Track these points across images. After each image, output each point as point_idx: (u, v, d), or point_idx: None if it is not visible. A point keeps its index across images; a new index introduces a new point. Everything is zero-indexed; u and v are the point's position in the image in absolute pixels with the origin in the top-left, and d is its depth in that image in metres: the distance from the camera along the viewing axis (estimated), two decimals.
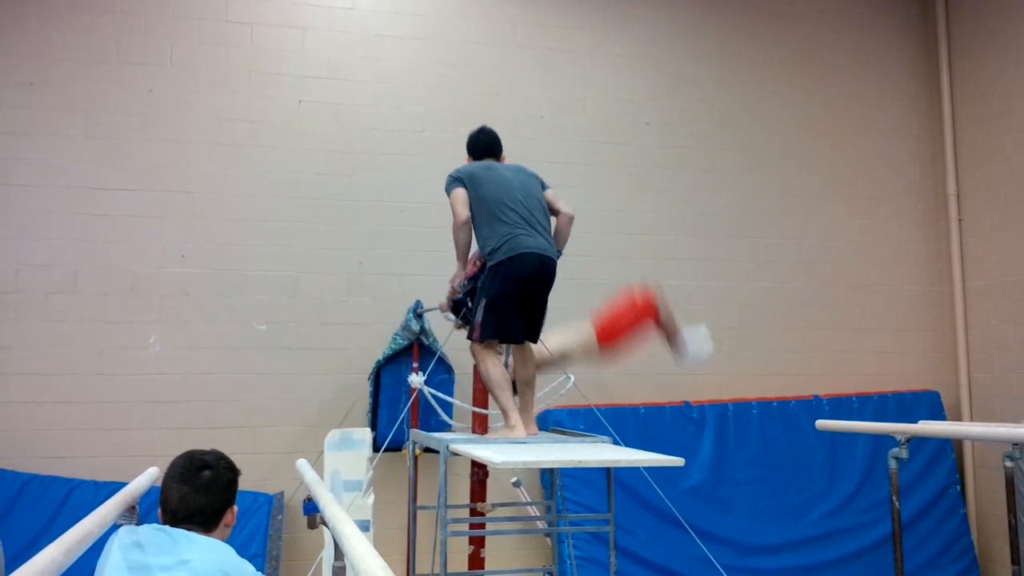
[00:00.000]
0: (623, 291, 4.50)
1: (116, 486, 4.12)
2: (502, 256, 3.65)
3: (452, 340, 4.59)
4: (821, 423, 4.60)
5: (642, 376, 5.71)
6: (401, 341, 5.09)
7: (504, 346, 3.98)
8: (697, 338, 4.40)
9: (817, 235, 6.19)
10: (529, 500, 5.14)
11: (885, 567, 5.08)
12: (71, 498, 4.69)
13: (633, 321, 4.33)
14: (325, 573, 4.46)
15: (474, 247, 3.95)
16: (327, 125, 5.46)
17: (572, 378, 4.69)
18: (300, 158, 5.39)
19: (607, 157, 5.87)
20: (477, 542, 4.07)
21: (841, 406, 5.83)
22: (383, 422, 5.09)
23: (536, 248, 3.67)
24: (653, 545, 5.17)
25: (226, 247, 5.24)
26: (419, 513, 4.15)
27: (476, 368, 4.08)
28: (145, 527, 2.29)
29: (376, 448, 4.89)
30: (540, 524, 5.08)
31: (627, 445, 4.07)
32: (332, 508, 2.29)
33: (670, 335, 4.39)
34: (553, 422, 5.05)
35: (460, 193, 3.77)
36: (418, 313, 5.06)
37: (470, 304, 3.94)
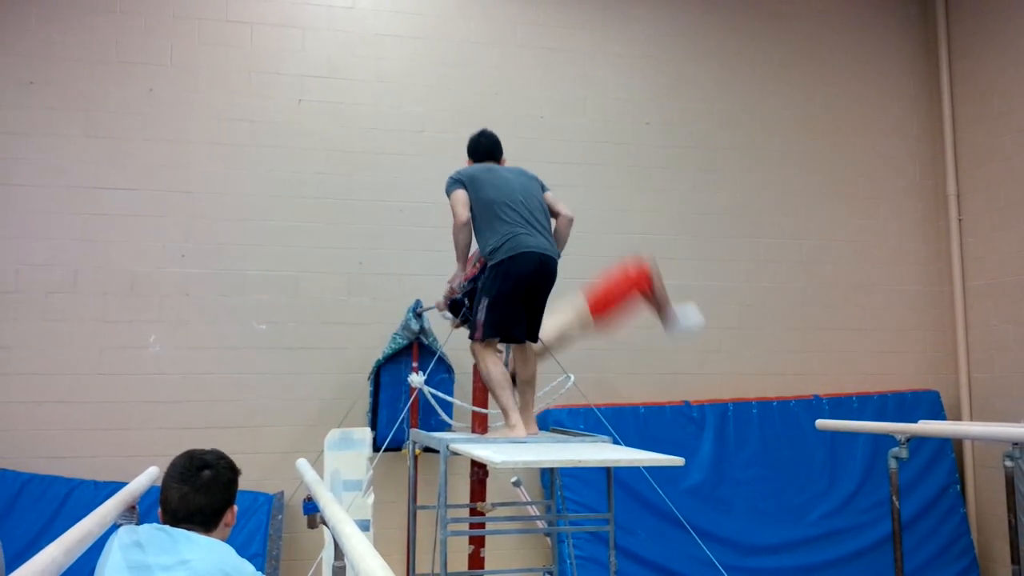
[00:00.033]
0: (617, 264, 4.53)
1: (116, 486, 4.12)
2: (503, 255, 3.66)
3: (452, 340, 4.59)
4: (821, 423, 4.60)
5: (642, 376, 5.72)
6: (401, 341, 5.09)
7: (504, 345, 3.98)
8: (687, 312, 4.46)
9: (817, 235, 6.19)
10: (529, 500, 5.14)
11: (885, 567, 5.08)
12: (71, 498, 4.69)
13: (626, 290, 4.37)
14: (325, 573, 4.46)
15: (473, 248, 3.96)
16: (327, 125, 5.46)
17: (572, 378, 4.69)
18: (300, 158, 5.39)
19: (607, 157, 5.88)
20: (477, 542, 4.07)
21: (841, 406, 5.83)
22: (383, 422, 5.09)
23: (537, 247, 3.69)
24: (653, 545, 5.17)
25: (226, 247, 5.24)
26: (419, 513, 4.15)
27: (476, 367, 4.08)
28: (145, 527, 2.29)
29: (376, 448, 4.89)
30: (540, 524, 5.08)
31: (627, 445, 4.07)
32: (332, 508, 2.29)
33: (661, 306, 4.44)
34: (553, 422, 5.05)
35: (461, 194, 3.79)
36: (418, 312, 5.06)
37: (467, 304, 3.95)
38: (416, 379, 4.75)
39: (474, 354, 3.82)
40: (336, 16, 5.55)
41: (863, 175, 6.33)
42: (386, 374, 5.14)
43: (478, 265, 3.92)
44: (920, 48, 6.55)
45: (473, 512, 4.06)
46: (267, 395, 5.19)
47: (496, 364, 3.74)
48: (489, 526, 4.22)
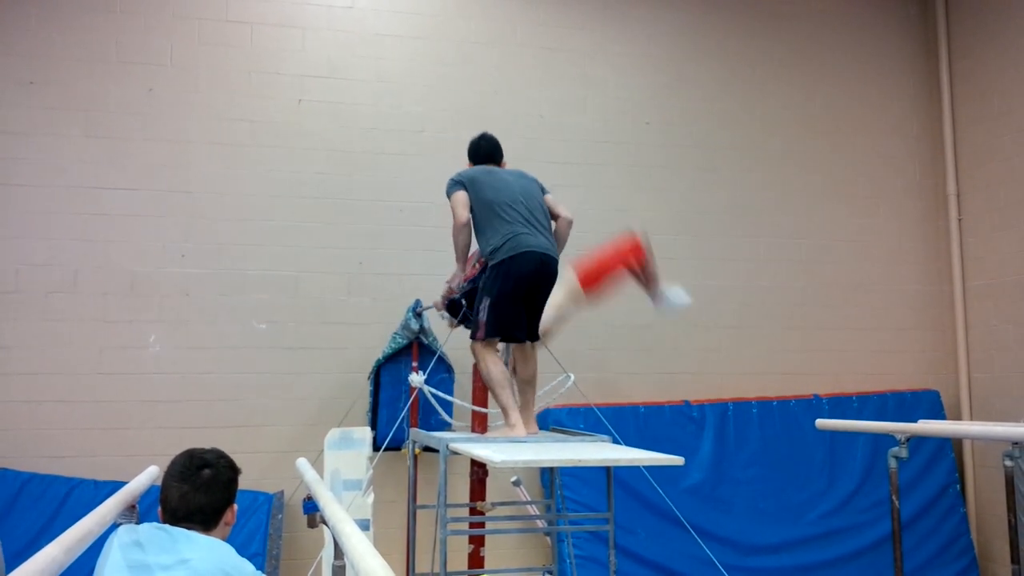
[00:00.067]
0: (609, 239, 4.56)
1: (116, 485, 4.10)
2: (504, 255, 3.67)
3: (452, 339, 4.59)
4: (821, 422, 4.60)
5: (642, 375, 5.72)
6: (401, 340, 5.09)
7: (503, 345, 3.99)
8: (675, 291, 4.49)
9: (817, 234, 6.19)
10: (529, 499, 5.14)
11: (885, 566, 5.08)
12: (71, 497, 4.69)
13: (616, 264, 4.38)
14: (325, 572, 4.46)
15: (472, 249, 3.98)
16: (327, 124, 5.46)
17: (572, 377, 4.70)
18: (300, 158, 5.39)
19: (607, 156, 5.88)
20: (477, 541, 4.07)
21: (841, 405, 5.83)
22: (383, 421, 5.09)
23: (538, 247, 3.70)
24: (653, 544, 5.18)
25: (226, 247, 5.24)
26: (419, 512, 4.15)
27: (476, 367, 4.09)
28: (145, 526, 2.29)
29: (376, 447, 4.89)
30: (540, 523, 5.08)
31: (627, 444, 4.08)
32: (332, 507, 2.29)
33: (650, 281, 4.45)
34: (553, 421, 5.05)
35: (461, 195, 3.81)
36: (417, 312, 5.06)
37: (465, 304, 3.97)
38: (416, 378, 4.76)
39: (474, 353, 3.83)
40: (336, 16, 5.55)
41: (863, 175, 6.33)
42: (386, 374, 5.14)
43: (477, 266, 3.94)
44: (920, 48, 6.55)
45: (473, 511, 4.06)
46: (267, 395, 5.19)
47: (497, 363, 3.75)
48: (489, 525, 4.22)
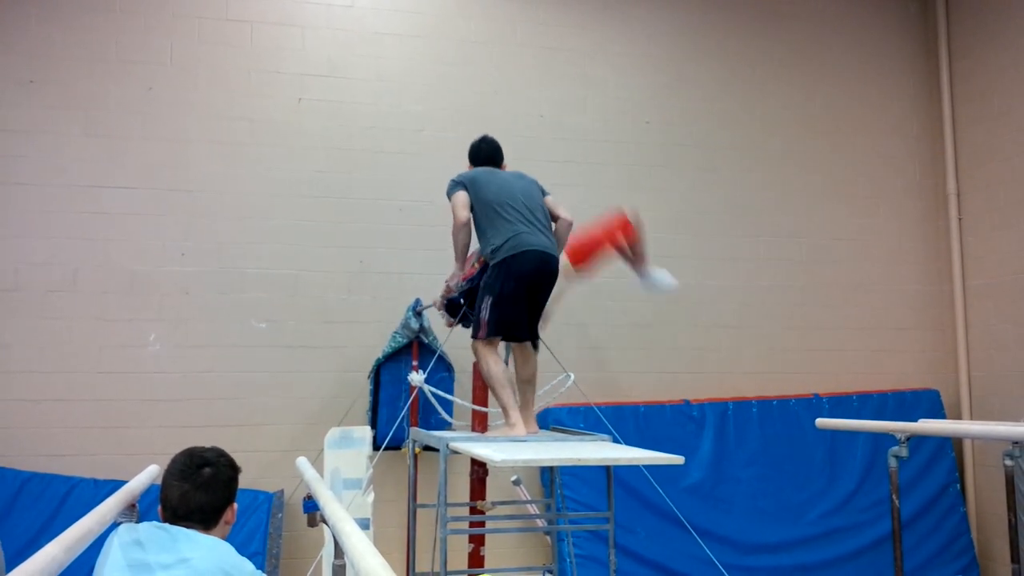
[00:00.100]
0: (599, 217, 4.59)
1: (116, 484, 4.11)
2: (505, 254, 3.68)
3: (452, 338, 4.59)
4: (821, 421, 4.60)
5: (642, 375, 5.72)
6: (401, 339, 5.09)
7: (503, 344, 3.99)
8: (662, 273, 4.54)
9: (817, 234, 6.19)
10: (529, 498, 5.14)
11: (885, 566, 5.08)
12: (71, 496, 4.69)
13: (605, 239, 4.42)
14: (325, 571, 4.46)
15: (471, 249, 3.99)
16: (327, 123, 5.46)
17: (572, 376, 4.70)
18: (300, 156, 5.39)
19: (607, 156, 5.88)
20: (477, 540, 4.07)
21: (841, 405, 5.83)
22: (383, 420, 5.09)
23: (539, 246, 3.71)
24: (653, 543, 5.18)
25: (226, 245, 5.23)
26: (419, 511, 4.15)
27: (476, 366, 4.09)
28: (145, 525, 2.29)
29: (376, 446, 4.89)
30: (540, 522, 5.09)
31: (627, 443, 4.08)
32: (332, 506, 2.29)
33: (637, 258, 4.49)
34: (553, 420, 5.05)
35: (461, 195, 3.84)
36: (417, 311, 5.06)
37: (463, 303, 3.99)
38: (416, 377, 4.75)
39: (475, 352, 3.83)
40: (336, 15, 5.55)
41: (863, 175, 6.33)
42: (386, 372, 5.14)
43: (476, 266, 3.94)
44: (920, 48, 6.55)
45: (473, 511, 4.06)
46: (267, 393, 5.19)
47: (498, 363, 3.76)
48: (489, 525, 4.23)
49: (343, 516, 2.08)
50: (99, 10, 5.21)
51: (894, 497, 3.91)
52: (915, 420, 4.56)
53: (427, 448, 4.76)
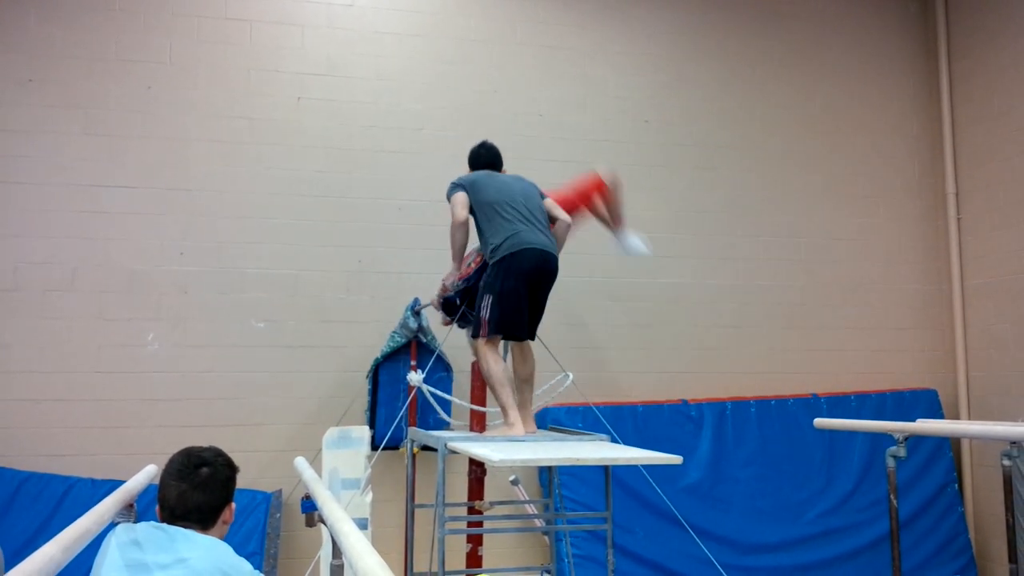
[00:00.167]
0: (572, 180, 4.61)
1: (114, 484, 4.11)
2: (505, 252, 3.70)
3: (450, 338, 4.60)
4: (819, 421, 4.60)
5: (641, 374, 5.72)
6: (399, 339, 5.09)
7: (502, 343, 4.00)
8: (637, 239, 4.57)
9: (816, 234, 6.19)
10: (527, 498, 5.14)
11: (883, 565, 5.09)
12: (69, 496, 4.69)
13: (580, 202, 4.44)
14: (323, 571, 4.47)
15: (469, 248, 4.01)
16: (326, 122, 5.46)
17: (571, 376, 4.70)
18: (299, 155, 5.39)
19: (606, 155, 5.86)
20: (475, 540, 4.08)
21: (839, 404, 5.84)
22: (381, 420, 5.09)
23: (538, 244, 3.74)
24: (651, 543, 5.18)
25: (225, 245, 5.23)
26: (417, 511, 4.16)
27: (475, 365, 4.09)
28: (143, 525, 2.29)
29: (374, 446, 4.89)
30: (538, 522, 5.09)
31: (625, 443, 4.08)
32: (330, 506, 2.29)
33: (615, 220, 4.52)
34: (551, 420, 5.05)
35: (460, 196, 3.90)
36: (416, 311, 5.06)
37: (459, 303, 4.00)
38: (415, 377, 4.75)
39: (476, 351, 3.84)
40: (335, 14, 5.55)
41: (862, 174, 6.33)
42: (384, 372, 5.14)
43: (473, 265, 3.96)
44: (920, 48, 6.55)
45: (471, 511, 4.07)
46: (265, 393, 5.19)
47: (498, 362, 3.77)
48: (487, 524, 4.23)
49: (341, 516, 2.08)
50: (99, 9, 5.21)
51: (892, 497, 3.91)
52: (913, 420, 4.57)
53: (425, 448, 4.77)
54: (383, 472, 5.06)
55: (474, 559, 4.05)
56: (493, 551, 4.74)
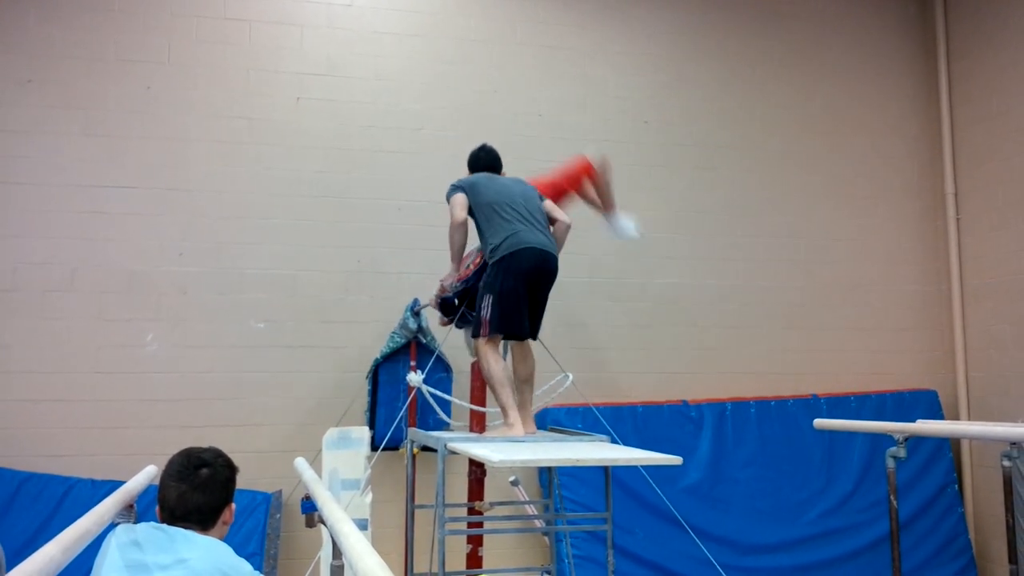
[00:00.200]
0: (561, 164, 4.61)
1: (114, 484, 4.11)
2: (505, 251, 3.71)
3: (450, 338, 4.59)
4: (819, 422, 4.60)
5: (640, 375, 5.72)
6: (399, 339, 5.09)
7: (502, 343, 4.00)
8: (628, 222, 4.56)
9: (816, 234, 6.19)
10: (527, 499, 5.14)
11: (883, 566, 5.08)
12: (69, 496, 4.68)
13: (568, 185, 4.44)
14: (323, 572, 4.46)
15: (468, 249, 4.02)
16: (326, 122, 5.45)
17: (571, 377, 4.69)
18: (298, 156, 5.39)
19: (606, 155, 5.86)
20: (475, 541, 4.07)
21: (839, 405, 5.83)
22: (381, 420, 5.09)
23: (538, 244, 3.75)
24: (651, 544, 5.17)
25: (224, 245, 5.23)
26: (417, 512, 4.15)
27: (474, 366, 4.09)
28: (143, 525, 2.28)
29: (374, 447, 4.89)
30: (538, 523, 5.08)
31: (625, 444, 4.08)
32: (330, 507, 2.29)
33: (605, 203, 4.51)
34: (551, 421, 5.05)
35: (459, 197, 3.92)
36: (415, 311, 5.06)
37: (457, 303, 4.01)
38: (414, 378, 4.75)
39: (476, 351, 3.84)
40: (335, 14, 5.55)
41: (861, 174, 6.33)
42: (384, 373, 5.14)
43: (472, 267, 3.97)
44: (919, 48, 6.55)
45: (471, 511, 4.06)
46: (265, 393, 5.18)
47: (499, 362, 3.77)
48: (487, 525, 4.23)
49: (341, 516, 2.08)
50: (98, 9, 5.20)
51: (892, 498, 3.91)
52: (913, 421, 4.57)
53: (425, 448, 4.77)
54: (383, 473, 5.06)
55: (474, 560, 4.05)
56: (493, 552, 4.73)
